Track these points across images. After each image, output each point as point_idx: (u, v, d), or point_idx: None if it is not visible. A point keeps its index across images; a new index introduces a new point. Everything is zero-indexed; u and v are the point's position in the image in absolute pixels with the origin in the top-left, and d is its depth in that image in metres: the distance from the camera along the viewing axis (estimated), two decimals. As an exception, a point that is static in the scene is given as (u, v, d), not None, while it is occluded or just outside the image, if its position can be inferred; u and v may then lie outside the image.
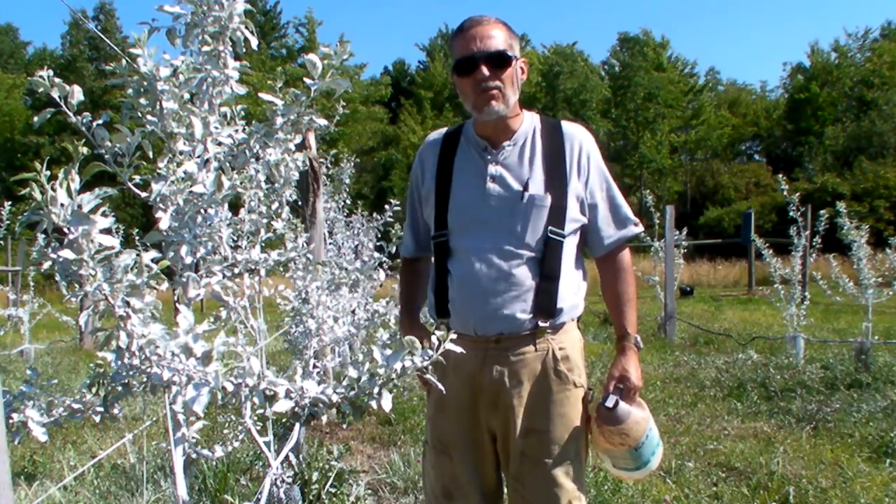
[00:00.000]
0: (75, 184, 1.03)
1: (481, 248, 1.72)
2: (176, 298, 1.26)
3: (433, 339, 1.27)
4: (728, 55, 77.98)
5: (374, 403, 1.27)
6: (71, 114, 1.16)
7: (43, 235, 1.06)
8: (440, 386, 1.43)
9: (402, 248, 2.04)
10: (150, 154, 1.26)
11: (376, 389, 1.26)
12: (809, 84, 34.96)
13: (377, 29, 78.20)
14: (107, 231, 1.05)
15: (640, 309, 1.97)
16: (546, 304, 1.71)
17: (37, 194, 1.00)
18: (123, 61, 1.22)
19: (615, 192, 1.83)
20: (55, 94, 1.15)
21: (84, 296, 1.06)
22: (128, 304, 1.09)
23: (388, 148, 35.97)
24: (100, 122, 1.19)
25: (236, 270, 1.41)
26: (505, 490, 1.87)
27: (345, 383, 1.29)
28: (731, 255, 21.43)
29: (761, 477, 3.41)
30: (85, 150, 1.08)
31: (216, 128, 1.29)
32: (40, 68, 1.16)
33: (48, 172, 1.01)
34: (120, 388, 1.20)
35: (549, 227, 1.71)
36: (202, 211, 1.28)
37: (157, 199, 1.22)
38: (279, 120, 1.34)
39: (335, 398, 1.29)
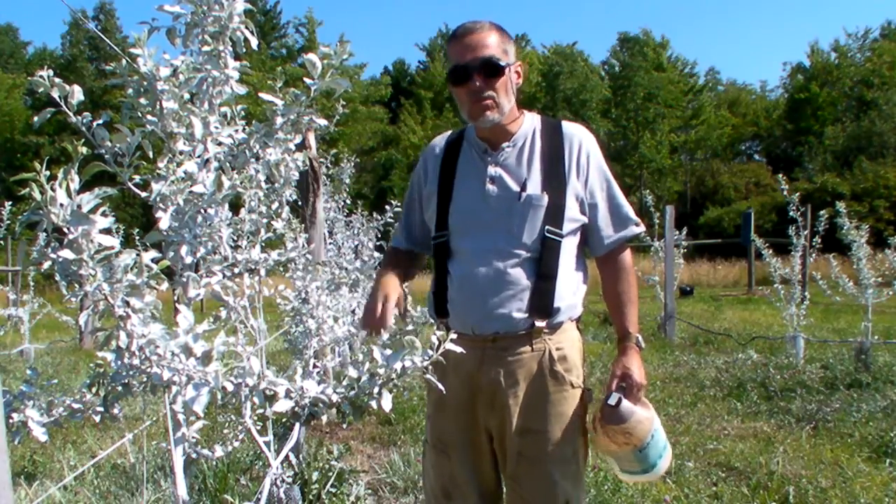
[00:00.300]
0: (75, 184, 1.03)
1: (480, 248, 1.72)
2: (176, 298, 1.26)
3: (433, 338, 1.27)
4: (728, 55, 78.06)
5: (374, 403, 1.27)
6: (71, 114, 1.16)
7: (43, 235, 1.06)
8: (440, 386, 1.43)
9: (393, 240, 2.03)
10: (150, 154, 1.26)
11: (376, 389, 1.26)
12: (809, 84, 34.97)
13: (377, 29, 78.27)
14: (107, 231, 1.05)
15: (640, 309, 1.96)
16: (542, 303, 1.71)
17: (36, 194, 1.00)
18: (123, 61, 1.22)
19: (616, 192, 1.83)
20: (55, 94, 1.15)
21: (84, 296, 1.06)
22: (128, 303, 1.09)
23: (388, 148, 35.99)
24: (100, 122, 1.19)
25: (236, 270, 1.41)
26: (504, 490, 1.87)
27: (345, 383, 1.29)
28: (730, 255, 21.44)
29: (761, 477, 3.41)
30: (85, 150, 1.08)
31: (216, 128, 1.29)
32: (40, 68, 1.16)
33: (48, 172, 1.01)
34: (120, 388, 1.20)
35: (547, 227, 1.71)
36: (202, 211, 1.28)
37: (157, 199, 1.22)
38: (279, 120, 1.34)
39: (335, 398, 1.29)
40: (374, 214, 5.97)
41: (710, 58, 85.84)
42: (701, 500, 3.17)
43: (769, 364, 6.14)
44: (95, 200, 1.05)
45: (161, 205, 1.22)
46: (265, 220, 1.48)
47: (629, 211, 1.84)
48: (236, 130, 1.33)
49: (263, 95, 1.33)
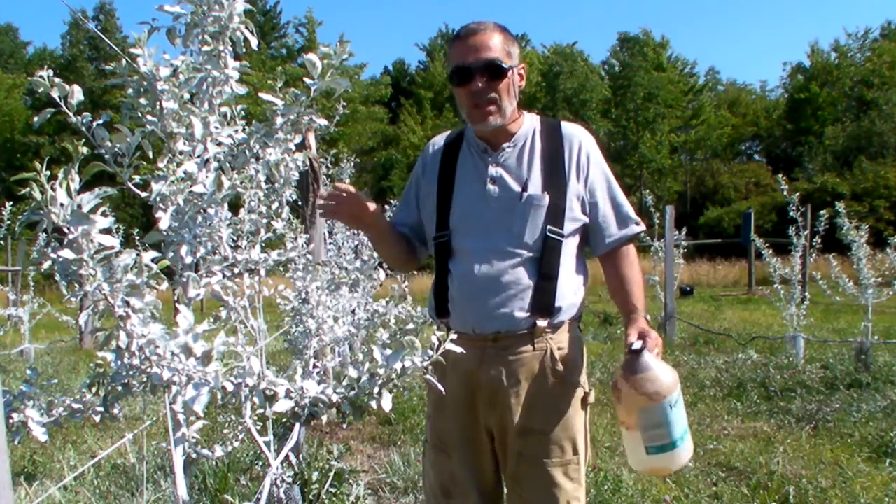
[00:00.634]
0: (75, 184, 1.03)
1: (481, 248, 1.73)
2: (176, 298, 1.26)
3: (433, 338, 1.27)
4: (728, 55, 78.05)
5: (374, 403, 1.27)
6: (71, 114, 1.16)
7: (43, 235, 1.06)
8: (440, 386, 1.43)
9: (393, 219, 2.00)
10: (150, 154, 1.26)
11: (376, 389, 1.26)
12: (809, 84, 34.96)
13: (377, 29, 78.25)
14: (107, 231, 1.05)
15: (640, 309, 1.93)
16: (544, 302, 1.71)
17: (36, 194, 1.00)
18: (123, 61, 1.22)
19: (616, 192, 1.83)
20: (55, 94, 1.15)
21: (84, 296, 1.06)
22: (127, 303, 1.09)
23: (388, 148, 35.97)
24: (100, 122, 1.19)
25: (236, 270, 1.41)
26: (504, 489, 1.87)
27: (345, 383, 1.29)
28: (730, 255, 21.43)
29: (761, 477, 3.41)
30: (85, 149, 1.08)
31: (216, 128, 1.29)
32: (40, 68, 1.16)
33: (48, 172, 1.01)
34: (120, 388, 1.20)
35: (548, 227, 1.71)
36: (202, 211, 1.28)
37: (157, 199, 1.22)
38: (279, 120, 1.34)
39: (335, 398, 1.29)
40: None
41: (710, 58, 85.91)
42: (701, 500, 3.17)
43: (769, 364, 6.14)
44: (95, 200, 1.05)
45: (161, 205, 1.22)
46: (265, 220, 1.48)
47: (630, 210, 1.84)
48: (236, 130, 1.33)
49: (263, 95, 1.33)
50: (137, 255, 1.09)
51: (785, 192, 6.65)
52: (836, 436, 4.13)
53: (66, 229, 1.01)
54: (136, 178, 1.24)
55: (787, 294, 6.69)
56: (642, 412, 1.60)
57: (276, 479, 2.02)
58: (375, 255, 5.36)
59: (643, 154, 34.16)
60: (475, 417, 1.77)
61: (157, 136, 1.25)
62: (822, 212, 6.58)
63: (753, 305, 12.97)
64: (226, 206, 1.33)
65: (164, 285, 1.15)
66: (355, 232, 6.14)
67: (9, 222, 8.07)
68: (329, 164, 5.59)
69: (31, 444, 3.92)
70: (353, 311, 4.01)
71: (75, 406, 1.22)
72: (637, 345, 1.60)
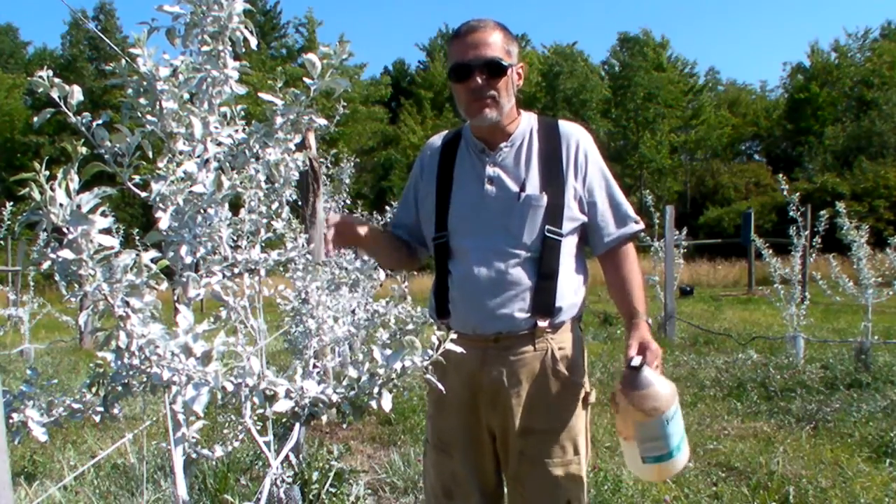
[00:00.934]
0: (74, 184, 1.03)
1: (480, 248, 1.73)
2: (176, 298, 1.26)
3: (433, 338, 1.27)
4: (728, 55, 78.07)
5: (374, 403, 1.26)
6: (71, 114, 1.16)
7: (43, 235, 1.06)
8: (440, 386, 1.43)
9: (391, 226, 2.02)
10: (150, 154, 1.26)
11: (376, 389, 1.26)
12: (809, 84, 34.96)
13: (377, 29, 78.27)
14: (106, 231, 1.05)
15: (640, 309, 1.93)
16: (544, 303, 1.70)
17: (36, 194, 1.00)
18: (123, 61, 1.22)
19: (615, 191, 1.83)
20: (55, 94, 1.15)
21: (84, 296, 1.06)
22: (127, 303, 1.09)
23: (388, 148, 35.97)
24: (99, 122, 1.19)
25: (236, 270, 1.41)
26: (505, 489, 1.87)
27: (345, 383, 1.29)
28: (730, 255, 21.43)
29: (761, 477, 3.41)
30: (84, 149, 1.08)
31: (216, 128, 1.29)
32: (40, 68, 1.16)
33: (47, 172, 1.01)
34: (120, 388, 1.20)
35: (547, 227, 1.71)
36: (202, 211, 1.28)
37: (157, 199, 1.22)
38: (279, 120, 1.33)
39: (335, 398, 1.29)
40: (374, 214, 5.97)
41: (710, 58, 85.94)
42: (701, 500, 3.17)
43: (769, 364, 6.14)
44: (95, 200, 1.05)
45: (161, 205, 1.22)
46: (265, 220, 1.47)
47: (628, 209, 1.84)
48: (236, 130, 1.33)
49: (263, 95, 1.33)
50: (137, 255, 1.09)
51: (785, 192, 6.66)
52: (836, 436, 4.13)
53: (65, 229, 1.01)
54: (136, 178, 1.23)
55: (787, 294, 6.69)
56: (640, 426, 1.63)
57: (276, 479, 2.02)
58: (375, 255, 5.35)
59: (643, 154, 34.15)
60: (477, 418, 1.77)
61: (157, 136, 1.25)
62: (822, 212, 6.58)
63: (753, 305, 12.97)
64: (226, 206, 1.33)
65: (164, 285, 1.15)
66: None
67: (9, 222, 8.07)
68: (329, 164, 5.59)
69: (31, 444, 3.92)
70: (353, 311, 4.01)
71: (75, 406, 1.22)
72: (636, 361, 1.61)
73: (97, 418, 1.22)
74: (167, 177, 1.22)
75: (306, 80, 1.29)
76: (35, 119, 1.18)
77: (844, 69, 34.95)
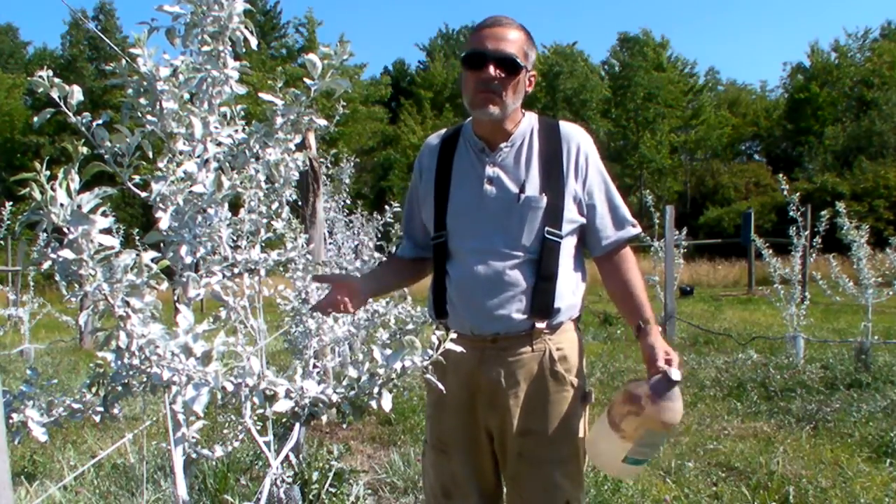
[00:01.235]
0: (75, 184, 1.03)
1: (479, 249, 1.72)
2: (176, 298, 1.26)
3: (433, 338, 1.27)
4: (728, 55, 78.04)
5: (374, 403, 1.27)
6: (71, 114, 1.16)
7: (43, 235, 1.06)
8: (440, 386, 1.43)
9: (399, 250, 2.03)
10: (150, 154, 1.26)
11: (376, 389, 1.26)
12: (809, 84, 34.94)
13: (377, 29, 78.28)
14: (106, 231, 1.05)
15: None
16: (542, 304, 1.70)
17: (36, 194, 1.00)
18: (123, 61, 1.22)
19: (613, 194, 1.83)
20: (55, 94, 1.15)
21: (84, 296, 1.06)
22: (127, 304, 1.09)
23: (387, 148, 35.97)
24: (100, 122, 1.19)
25: (236, 270, 1.41)
26: (504, 490, 1.87)
27: (345, 383, 1.29)
28: (730, 255, 21.42)
29: (761, 477, 3.41)
30: (85, 149, 1.08)
31: (216, 128, 1.29)
32: (40, 68, 1.16)
33: (48, 172, 1.01)
34: (120, 388, 1.20)
35: (546, 228, 1.71)
36: (202, 211, 1.28)
37: (157, 199, 1.22)
38: (279, 120, 1.34)
39: (335, 398, 1.29)
40: (374, 214, 5.97)
41: (710, 58, 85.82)
42: (701, 500, 3.17)
43: (769, 364, 6.14)
44: (95, 200, 1.05)
45: (161, 205, 1.22)
46: (265, 220, 1.48)
47: (626, 212, 1.83)
48: (236, 130, 1.33)
49: (263, 95, 1.33)
50: (137, 255, 1.09)
51: (785, 192, 6.65)
52: (836, 436, 4.13)
53: (66, 229, 1.01)
54: (136, 178, 1.24)
55: (787, 294, 6.69)
56: (649, 432, 1.63)
57: (276, 479, 2.02)
58: (376, 255, 5.36)
59: (643, 154, 34.15)
60: (475, 418, 1.77)
61: (157, 136, 1.25)
62: (822, 212, 6.57)
63: (753, 305, 12.97)
64: (226, 206, 1.33)
65: (164, 285, 1.15)
66: (356, 232, 6.15)
67: (9, 222, 8.07)
68: (329, 164, 5.59)
69: (31, 444, 3.92)
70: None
71: (75, 406, 1.22)
72: (677, 375, 1.59)
73: (97, 418, 1.22)
74: (167, 177, 1.22)
75: (306, 80, 1.30)
76: (35, 119, 1.18)
77: (844, 69, 34.95)
